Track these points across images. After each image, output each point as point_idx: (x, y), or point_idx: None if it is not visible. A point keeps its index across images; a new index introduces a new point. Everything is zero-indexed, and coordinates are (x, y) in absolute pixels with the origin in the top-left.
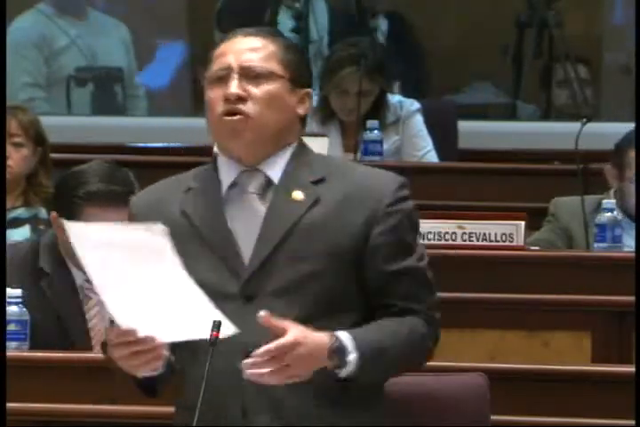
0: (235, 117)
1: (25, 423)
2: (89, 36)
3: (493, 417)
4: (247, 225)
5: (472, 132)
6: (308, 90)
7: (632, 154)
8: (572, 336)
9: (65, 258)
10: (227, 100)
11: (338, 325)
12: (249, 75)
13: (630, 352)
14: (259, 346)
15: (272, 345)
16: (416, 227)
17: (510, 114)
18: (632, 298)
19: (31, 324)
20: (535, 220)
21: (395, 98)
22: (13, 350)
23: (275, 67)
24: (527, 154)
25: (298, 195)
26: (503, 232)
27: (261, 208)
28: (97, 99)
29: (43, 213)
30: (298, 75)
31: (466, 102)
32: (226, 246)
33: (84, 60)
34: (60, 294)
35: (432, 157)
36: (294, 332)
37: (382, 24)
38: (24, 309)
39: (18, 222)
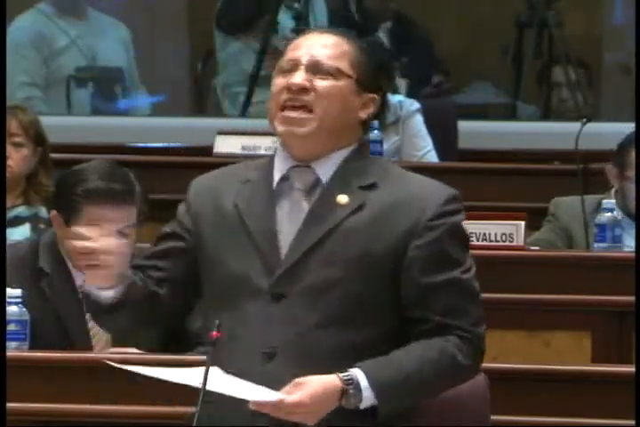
0: (296, 113)
1: (25, 423)
2: (89, 36)
3: (493, 417)
4: (290, 223)
5: (472, 132)
6: (375, 95)
7: (633, 154)
8: (572, 336)
9: (65, 258)
10: (289, 89)
11: (362, 333)
12: (316, 69)
13: (630, 352)
14: (278, 346)
15: (273, 400)
16: (462, 240)
17: (510, 114)
18: (632, 298)
19: (31, 324)
20: (535, 220)
21: (395, 98)
22: (13, 350)
23: (344, 65)
24: (527, 154)
25: (343, 199)
26: (503, 232)
27: (304, 207)
28: (97, 99)
29: (43, 211)
30: (366, 78)
31: (466, 102)
32: (267, 242)
33: (83, 61)
34: (60, 294)
35: (432, 157)
36: (299, 394)
37: (387, 24)
38: (24, 309)
39: (18, 221)
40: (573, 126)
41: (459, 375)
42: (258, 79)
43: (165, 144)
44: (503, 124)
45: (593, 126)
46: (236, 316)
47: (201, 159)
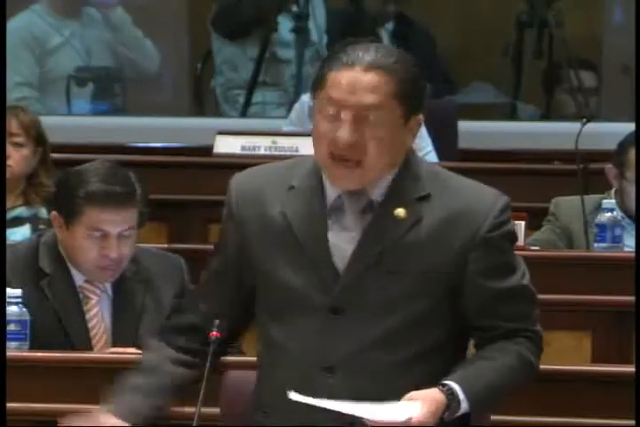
0: (345, 168)
1: (25, 423)
2: (83, 34)
3: (493, 417)
4: (344, 236)
5: (472, 132)
6: (419, 117)
7: (633, 153)
8: (572, 336)
9: (65, 258)
10: (336, 143)
11: (421, 346)
12: (364, 118)
13: (630, 352)
14: (338, 362)
15: (401, 419)
16: (514, 246)
17: (510, 114)
18: (632, 298)
19: (31, 324)
20: (535, 220)
21: None
22: (13, 350)
23: (391, 108)
24: (527, 154)
25: (401, 212)
26: None
27: (360, 219)
28: (97, 99)
29: (43, 212)
30: (413, 107)
31: (466, 102)
32: (321, 257)
33: (79, 60)
34: (60, 293)
35: (432, 158)
36: (422, 412)
37: (388, 25)
38: (24, 309)
39: (18, 221)
40: (573, 126)
41: (531, 376)
42: (257, 84)
43: (165, 144)
44: (503, 124)
45: (593, 126)
46: (291, 330)
47: (201, 159)
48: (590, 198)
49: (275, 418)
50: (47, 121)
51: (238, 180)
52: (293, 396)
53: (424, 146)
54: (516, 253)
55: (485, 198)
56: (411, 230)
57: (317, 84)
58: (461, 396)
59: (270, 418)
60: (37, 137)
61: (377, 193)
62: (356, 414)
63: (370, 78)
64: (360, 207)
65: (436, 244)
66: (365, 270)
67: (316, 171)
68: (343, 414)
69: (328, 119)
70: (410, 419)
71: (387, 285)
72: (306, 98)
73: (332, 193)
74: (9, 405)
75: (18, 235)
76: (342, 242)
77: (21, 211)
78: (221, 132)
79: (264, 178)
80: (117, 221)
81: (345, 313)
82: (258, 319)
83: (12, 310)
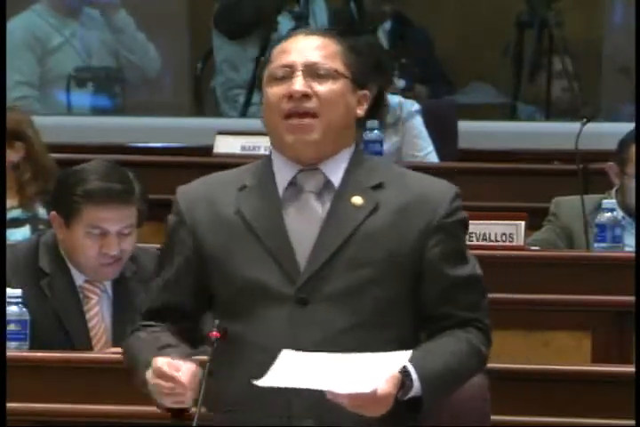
0: (303, 121)
1: (25, 423)
2: (84, 34)
3: (493, 417)
4: (304, 226)
5: (472, 132)
6: (366, 91)
7: (634, 150)
8: (572, 336)
9: (65, 258)
10: (291, 97)
11: (388, 334)
12: (313, 73)
13: (630, 352)
14: (309, 351)
15: (367, 391)
16: (466, 235)
17: (510, 114)
18: (632, 298)
19: (31, 324)
20: (535, 220)
21: (394, 99)
22: (13, 350)
23: (338, 66)
24: (527, 154)
25: (357, 200)
26: (503, 232)
27: (318, 209)
28: (97, 99)
29: (42, 212)
30: (359, 75)
31: (466, 102)
32: (281, 248)
33: (78, 59)
34: (60, 293)
35: (433, 158)
36: (388, 385)
37: (386, 25)
38: (24, 309)
39: (18, 222)
40: (573, 126)
41: (482, 365)
42: (256, 84)
43: (165, 144)
44: (503, 124)
45: (593, 126)
46: (257, 325)
47: (201, 159)
48: (590, 198)
49: (244, 415)
50: (47, 121)
51: (183, 190)
52: (260, 382)
53: (425, 146)
54: (516, 252)
55: (438, 187)
56: (369, 217)
57: (265, 63)
58: (414, 375)
59: (238, 415)
60: (13, 133)
61: (333, 174)
62: (322, 388)
63: (314, 40)
64: (317, 187)
65: (395, 231)
66: (328, 260)
67: (266, 167)
68: (318, 410)
69: (278, 83)
70: (375, 391)
71: (350, 274)
72: None
73: (286, 176)
74: (9, 405)
75: (17, 236)
76: (303, 226)
77: (20, 212)
78: (221, 133)
79: (210, 184)
80: (116, 219)
81: (311, 303)
82: (219, 317)
83: (11, 310)
